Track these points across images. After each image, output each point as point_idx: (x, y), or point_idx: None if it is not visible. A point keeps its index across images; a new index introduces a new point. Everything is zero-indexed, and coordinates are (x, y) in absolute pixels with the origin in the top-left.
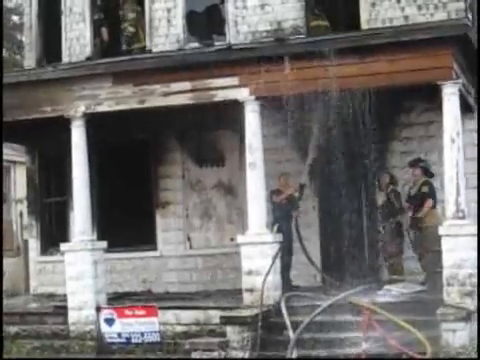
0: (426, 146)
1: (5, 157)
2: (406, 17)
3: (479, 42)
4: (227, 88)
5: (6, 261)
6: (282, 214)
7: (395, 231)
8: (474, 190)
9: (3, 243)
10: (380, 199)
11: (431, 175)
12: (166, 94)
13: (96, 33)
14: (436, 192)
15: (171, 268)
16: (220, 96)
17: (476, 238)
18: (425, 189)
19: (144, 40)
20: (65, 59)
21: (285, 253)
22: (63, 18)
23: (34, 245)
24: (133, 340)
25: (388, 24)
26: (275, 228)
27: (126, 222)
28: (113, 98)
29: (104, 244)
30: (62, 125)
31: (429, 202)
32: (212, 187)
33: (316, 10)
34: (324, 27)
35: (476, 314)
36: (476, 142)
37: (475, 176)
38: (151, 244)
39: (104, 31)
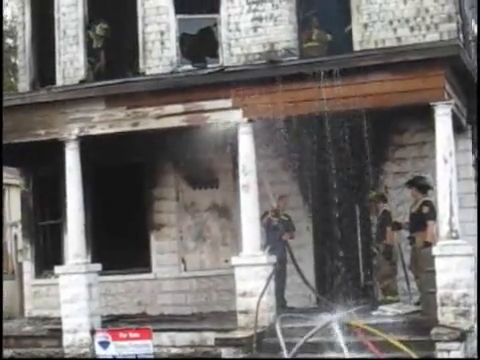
0: (419, 166)
1: None
2: (398, 38)
3: (478, 64)
4: (220, 110)
5: None
6: (275, 236)
7: (387, 252)
8: (469, 210)
9: None
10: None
11: (426, 189)
12: (159, 117)
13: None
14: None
15: (166, 290)
16: (213, 118)
17: (471, 258)
18: (425, 210)
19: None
20: (59, 82)
21: (279, 274)
22: (57, 41)
23: (28, 268)
24: None
25: (380, 45)
26: (267, 250)
27: (120, 244)
28: (106, 121)
29: (98, 267)
30: (56, 148)
31: (431, 225)
32: (206, 209)
33: (316, 31)
34: (318, 47)
35: (471, 334)
36: (470, 162)
37: (470, 196)
38: (146, 266)
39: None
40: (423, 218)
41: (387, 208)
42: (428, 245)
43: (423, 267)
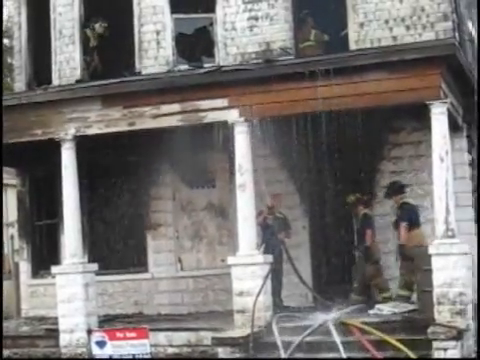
0: (416, 165)
1: None
2: (394, 37)
3: (478, 64)
4: (216, 110)
5: None
6: (270, 235)
7: (368, 254)
8: (465, 209)
9: None
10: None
11: (402, 189)
12: (156, 116)
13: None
14: (416, 210)
15: (162, 290)
16: (209, 118)
17: (467, 257)
18: (398, 212)
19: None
20: (55, 82)
21: (275, 273)
22: (53, 41)
23: (25, 268)
24: None
25: (376, 44)
26: (261, 248)
27: (117, 244)
28: (103, 120)
29: (95, 266)
30: (52, 148)
31: (402, 226)
32: (203, 208)
33: (313, 31)
34: (316, 47)
35: (467, 333)
36: (466, 161)
37: (466, 195)
38: (142, 266)
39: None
40: (399, 220)
41: (367, 211)
42: (417, 247)
43: (420, 266)
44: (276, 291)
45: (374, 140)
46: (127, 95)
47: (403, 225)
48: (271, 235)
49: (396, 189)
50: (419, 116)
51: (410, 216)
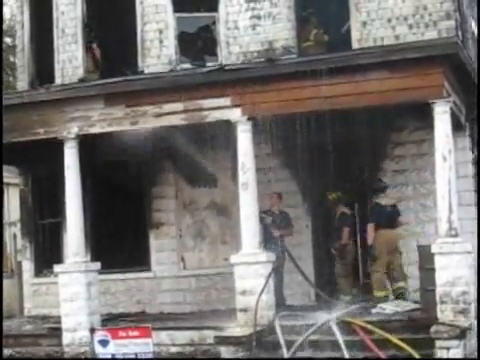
0: (418, 164)
1: None
2: (397, 36)
3: (478, 63)
4: (219, 109)
5: None
6: (267, 232)
7: (342, 251)
8: (468, 207)
9: None
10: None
11: (378, 192)
12: (158, 115)
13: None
14: (389, 211)
15: (165, 289)
16: (212, 117)
17: (470, 256)
18: (369, 213)
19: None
20: (58, 80)
21: (276, 272)
22: (55, 40)
23: (28, 267)
24: None
25: (379, 43)
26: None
27: (120, 243)
28: (105, 119)
29: (98, 265)
30: (55, 147)
31: (369, 227)
32: (205, 207)
33: (314, 31)
34: (316, 47)
35: (470, 332)
36: (469, 160)
37: (469, 194)
38: (145, 265)
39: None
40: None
41: (345, 210)
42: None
43: (422, 265)
44: (278, 289)
45: (377, 139)
46: (130, 94)
47: (369, 226)
48: (268, 233)
49: (377, 188)
50: (422, 115)
51: (377, 217)
